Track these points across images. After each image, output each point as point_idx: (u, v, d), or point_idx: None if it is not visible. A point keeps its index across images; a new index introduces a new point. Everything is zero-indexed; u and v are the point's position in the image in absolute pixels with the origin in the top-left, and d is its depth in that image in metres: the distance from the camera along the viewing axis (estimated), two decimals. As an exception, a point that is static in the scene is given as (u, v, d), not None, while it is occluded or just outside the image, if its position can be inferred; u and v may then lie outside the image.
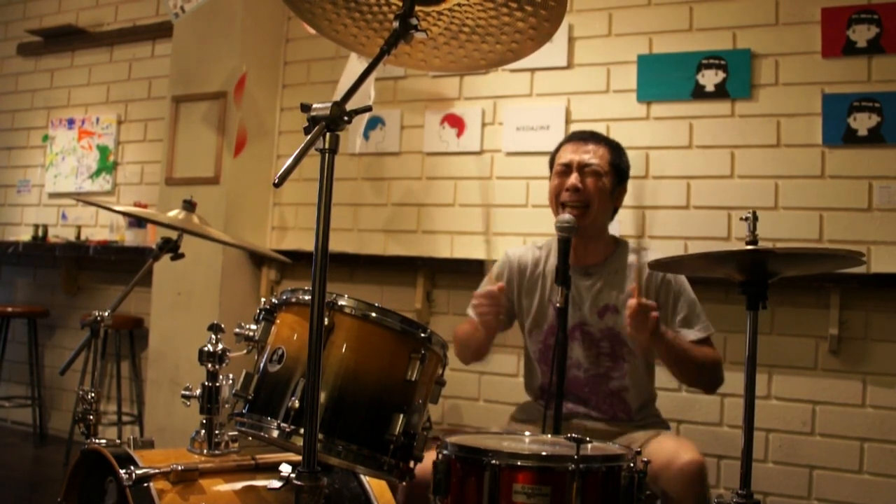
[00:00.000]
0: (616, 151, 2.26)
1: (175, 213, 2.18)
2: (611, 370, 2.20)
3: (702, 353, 2.13)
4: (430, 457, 1.59)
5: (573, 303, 2.20)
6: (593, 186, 2.18)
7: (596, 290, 2.22)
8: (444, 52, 1.59)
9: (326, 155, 1.25)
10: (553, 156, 2.31)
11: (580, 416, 2.19)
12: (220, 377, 1.78)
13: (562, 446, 1.60)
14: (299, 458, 1.27)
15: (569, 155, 2.23)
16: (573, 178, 2.18)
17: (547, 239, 2.38)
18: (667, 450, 1.95)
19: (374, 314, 1.55)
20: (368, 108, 1.39)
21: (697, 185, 3.12)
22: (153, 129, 4.52)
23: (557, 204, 2.21)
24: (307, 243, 3.88)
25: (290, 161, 1.18)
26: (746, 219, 1.62)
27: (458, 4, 1.47)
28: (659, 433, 2.14)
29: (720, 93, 3.09)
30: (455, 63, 1.62)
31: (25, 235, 4.73)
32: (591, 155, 2.21)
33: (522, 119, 3.45)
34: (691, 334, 2.15)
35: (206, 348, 1.77)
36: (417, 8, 1.44)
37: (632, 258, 2.24)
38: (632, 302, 1.95)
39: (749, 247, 1.58)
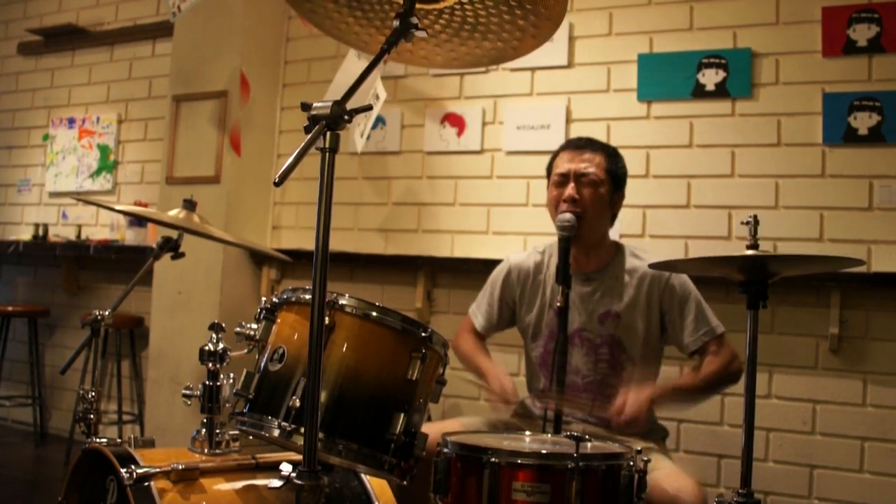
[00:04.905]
0: (612, 158, 2.25)
1: (175, 213, 2.18)
2: (609, 377, 2.19)
3: (707, 373, 2.13)
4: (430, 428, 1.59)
5: (573, 309, 2.20)
6: (590, 196, 2.18)
7: (597, 297, 2.22)
8: (445, 50, 1.59)
9: (327, 154, 1.25)
10: (550, 164, 2.31)
11: (577, 422, 2.19)
12: (221, 376, 1.78)
13: (562, 445, 1.60)
14: (300, 457, 1.27)
15: (565, 164, 2.22)
16: (570, 190, 2.18)
17: (547, 242, 2.38)
18: (667, 489, 1.85)
19: (374, 313, 1.55)
20: (369, 108, 1.39)
21: (698, 185, 3.12)
22: (154, 129, 4.52)
23: (556, 214, 2.21)
24: (307, 242, 3.88)
25: (290, 160, 1.18)
26: (748, 223, 1.62)
27: (459, 2, 1.47)
28: (657, 460, 2.01)
29: (721, 92, 3.09)
30: (457, 60, 1.63)
31: (26, 235, 4.73)
32: (588, 164, 2.20)
33: (523, 118, 3.45)
34: (701, 339, 2.15)
35: (206, 347, 1.77)
36: (418, 6, 1.44)
37: (631, 263, 2.24)
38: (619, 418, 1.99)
39: (749, 251, 1.58)
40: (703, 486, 1.90)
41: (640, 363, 2.19)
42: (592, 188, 2.19)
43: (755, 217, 1.62)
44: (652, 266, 2.03)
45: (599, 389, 2.19)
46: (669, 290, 2.18)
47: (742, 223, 1.64)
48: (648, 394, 2.02)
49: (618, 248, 2.29)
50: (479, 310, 2.44)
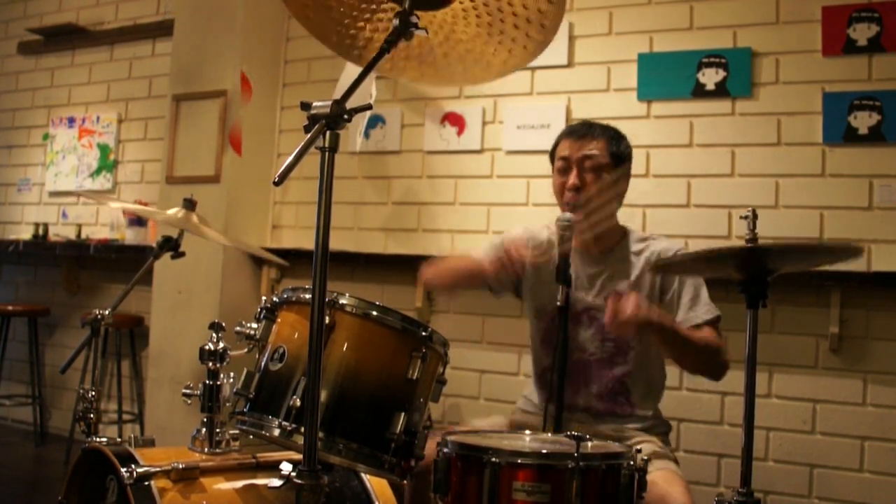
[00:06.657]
0: (614, 140, 2.23)
1: (175, 212, 2.18)
2: (615, 356, 2.19)
3: (698, 335, 2.09)
4: (431, 444, 1.59)
5: (581, 288, 2.20)
6: (593, 184, 2.18)
7: (604, 277, 2.22)
8: (440, 67, 1.58)
9: (326, 153, 1.25)
10: (553, 151, 2.30)
11: (578, 411, 2.18)
12: (221, 376, 1.78)
13: (562, 444, 1.60)
14: (300, 456, 1.27)
15: (567, 151, 2.22)
16: (573, 178, 2.17)
17: None
18: (654, 493, 1.78)
19: (374, 313, 1.55)
20: (369, 107, 1.39)
21: (698, 184, 3.12)
22: (154, 128, 4.52)
23: (562, 202, 2.21)
24: (308, 242, 3.88)
25: (290, 159, 1.18)
26: (746, 217, 1.62)
27: (452, 30, 1.47)
28: (652, 463, 1.93)
29: (721, 91, 3.09)
30: (450, 79, 1.62)
31: (26, 234, 4.73)
32: (591, 150, 2.20)
33: (523, 117, 3.45)
34: (696, 317, 2.14)
35: (206, 347, 1.77)
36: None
37: (637, 247, 2.23)
38: (611, 306, 1.91)
39: (748, 244, 1.58)
40: (694, 488, 1.88)
41: (641, 340, 2.18)
42: (595, 175, 2.18)
43: (753, 211, 1.61)
44: (652, 265, 2.03)
45: (606, 367, 2.18)
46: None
47: (741, 217, 1.63)
48: (650, 313, 1.95)
49: (624, 232, 2.30)
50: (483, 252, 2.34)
